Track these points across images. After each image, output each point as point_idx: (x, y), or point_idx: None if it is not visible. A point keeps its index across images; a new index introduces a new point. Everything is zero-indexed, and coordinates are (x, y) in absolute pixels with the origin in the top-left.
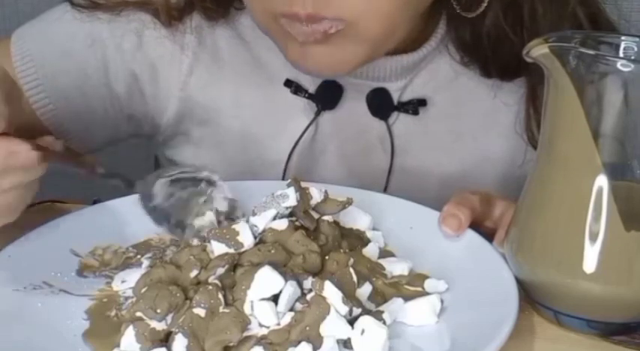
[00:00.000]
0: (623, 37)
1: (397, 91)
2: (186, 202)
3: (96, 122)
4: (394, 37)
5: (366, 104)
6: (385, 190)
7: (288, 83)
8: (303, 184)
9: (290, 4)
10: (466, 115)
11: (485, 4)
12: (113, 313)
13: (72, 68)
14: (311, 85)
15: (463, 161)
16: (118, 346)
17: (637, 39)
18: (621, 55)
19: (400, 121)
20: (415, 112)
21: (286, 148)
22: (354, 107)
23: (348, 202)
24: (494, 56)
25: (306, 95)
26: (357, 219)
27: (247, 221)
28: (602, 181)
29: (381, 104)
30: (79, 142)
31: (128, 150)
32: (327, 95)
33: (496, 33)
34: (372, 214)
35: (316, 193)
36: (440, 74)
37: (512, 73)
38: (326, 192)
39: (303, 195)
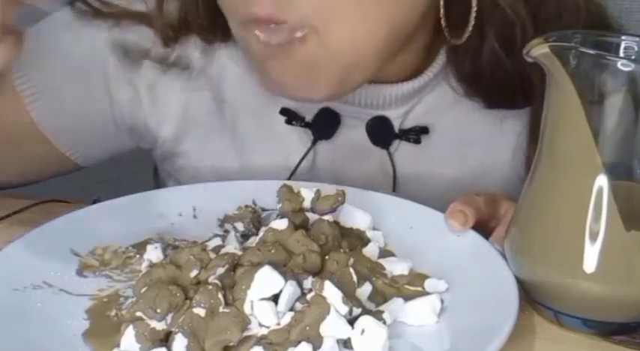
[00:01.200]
0: (623, 37)
1: (398, 118)
2: None
3: (97, 134)
4: (368, 60)
5: (365, 133)
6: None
7: (284, 112)
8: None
9: (248, 5)
10: (470, 141)
11: (469, 29)
12: (113, 313)
13: (73, 77)
14: (307, 113)
15: (468, 188)
16: (118, 345)
17: (637, 39)
18: (622, 54)
19: (402, 149)
20: (417, 141)
21: (283, 177)
22: (352, 136)
23: (341, 196)
24: (496, 86)
25: (302, 124)
26: (357, 219)
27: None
28: (602, 181)
29: (381, 132)
30: (80, 154)
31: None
32: (324, 124)
33: (494, 62)
34: (372, 214)
35: (307, 193)
36: (442, 101)
37: (514, 103)
38: (318, 190)
39: (293, 199)
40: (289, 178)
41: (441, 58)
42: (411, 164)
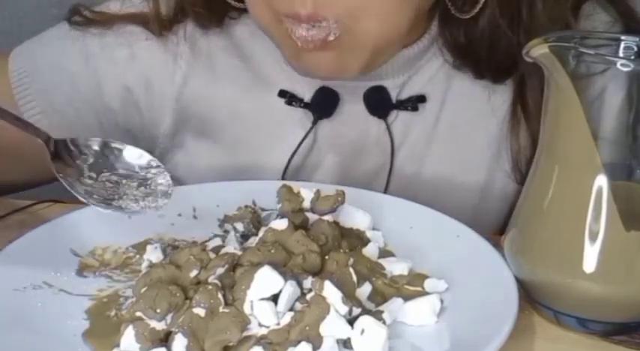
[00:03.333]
0: (622, 37)
1: (395, 88)
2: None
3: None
4: (394, 41)
5: (364, 105)
6: (385, 191)
7: (283, 94)
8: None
9: (291, 4)
10: (463, 111)
11: (479, 6)
12: (113, 313)
13: (65, 84)
14: (306, 93)
15: (460, 156)
16: (118, 346)
17: (637, 39)
18: (621, 54)
19: (399, 120)
20: (415, 109)
21: (283, 158)
22: (351, 111)
23: (341, 196)
24: (488, 56)
25: (302, 105)
26: (356, 219)
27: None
28: (601, 181)
29: (379, 102)
30: None
31: None
32: (323, 103)
33: (491, 31)
34: (372, 214)
35: (307, 193)
36: (436, 72)
37: (504, 74)
38: (318, 190)
39: (293, 199)
40: (291, 158)
41: (433, 27)
42: (409, 134)
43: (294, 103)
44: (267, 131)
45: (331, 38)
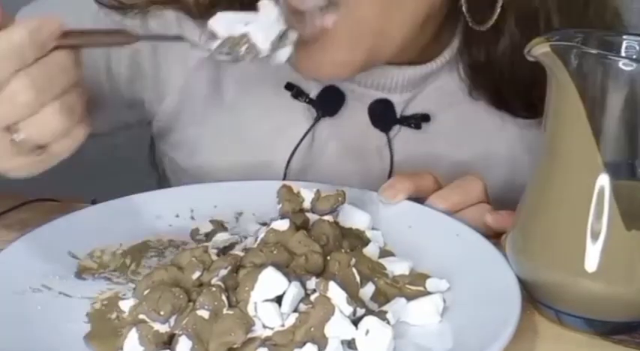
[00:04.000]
0: (624, 36)
1: (401, 103)
2: None
3: (95, 106)
4: (395, 39)
5: (367, 114)
6: None
7: (289, 87)
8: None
9: None
10: (468, 139)
11: (496, 16)
12: (114, 316)
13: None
14: (312, 89)
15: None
16: (121, 348)
17: (639, 38)
18: (623, 54)
19: (401, 135)
20: (417, 127)
21: (284, 151)
22: (354, 116)
23: (342, 196)
24: (509, 81)
25: (307, 100)
26: (356, 218)
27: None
28: (603, 180)
29: (383, 116)
30: None
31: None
32: (328, 101)
33: (512, 50)
34: (371, 214)
35: (307, 194)
36: (447, 91)
37: (525, 109)
38: (318, 191)
39: (293, 199)
40: (292, 154)
41: (454, 45)
42: (409, 151)
43: (299, 98)
44: (270, 123)
45: (330, 24)
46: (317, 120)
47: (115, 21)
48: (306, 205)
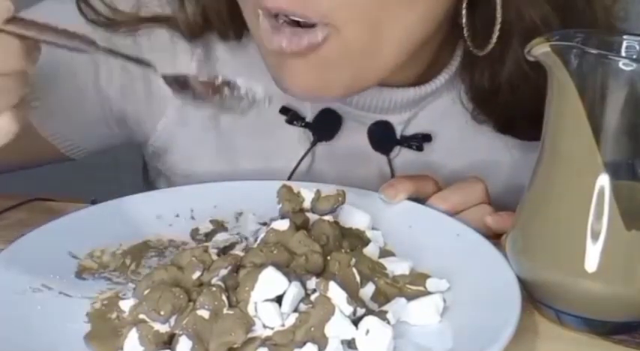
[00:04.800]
0: (625, 36)
1: (401, 124)
2: None
3: (83, 123)
4: (386, 61)
5: (366, 137)
6: None
7: (284, 111)
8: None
9: None
10: (472, 151)
11: (494, 39)
12: (114, 316)
13: (60, 65)
14: (308, 113)
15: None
16: (121, 348)
17: (639, 38)
18: (623, 54)
19: (402, 155)
20: (419, 148)
21: (281, 176)
22: (353, 139)
23: (342, 196)
24: (512, 107)
25: (303, 124)
26: (356, 218)
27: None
28: (603, 180)
29: (383, 138)
30: (66, 145)
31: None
32: (325, 125)
33: (517, 74)
34: (371, 214)
35: (307, 194)
36: (448, 111)
37: (528, 134)
38: (318, 191)
39: (293, 199)
40: (289, 178)
41: (453, 66)
42: (411, 171)
43: (295, 122)
44: (266, 148)
45: (319, 38)
46: (314, 144)
47: (103, 37)
48: (306, 205)
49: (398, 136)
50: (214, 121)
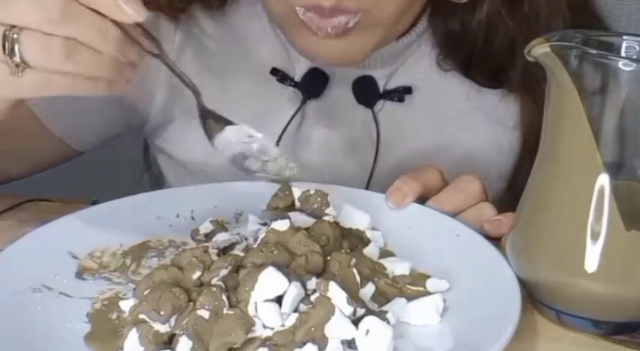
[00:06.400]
0: (624, 37)
1: (383, 78)
2: None
3: (87, 114)
4: (405, 20)
5: (351, 92)
6: (370, 179)
7: (274, 72)
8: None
9: None
10: (450, 102)
11: None
12: (114, 316)
13: None
14: (297, 73)
15: (449, 149)
16: (121, 348)
17: (639, 38)
18: (623, 54)
19: (386, 109)
20: (401, 100)
21: (273, 134)
22: (339, 96)
23: (320, 196)
24: (481, 51)
25: (292, 84)
26: (356, 218)
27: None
28: (603, 181)
29: (366, 92)
30: (72, 138)
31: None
32: (313, 84)
33: (489, 21)
34: (371, 214)
35: (297, 191)
36: (426, 62)
37: (493, 79)
38: (306, 191)
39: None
40: (280, 136)
41: (424, 18)
42: (394, 124)
43: (284, 82)
44: (257, 109)
45: (351, 25)
46: (303, 102)
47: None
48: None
49: (381, 90)
50: (205, 88)
